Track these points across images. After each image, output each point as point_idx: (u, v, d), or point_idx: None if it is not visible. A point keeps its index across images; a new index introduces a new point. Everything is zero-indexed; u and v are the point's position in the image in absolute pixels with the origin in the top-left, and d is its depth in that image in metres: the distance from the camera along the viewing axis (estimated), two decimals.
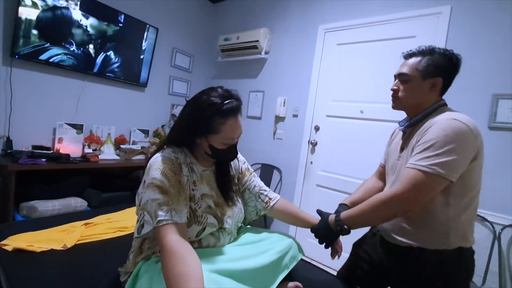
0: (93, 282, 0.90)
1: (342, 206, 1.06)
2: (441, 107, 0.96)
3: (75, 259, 1.03)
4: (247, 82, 3.16)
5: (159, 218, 0.71)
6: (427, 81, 0.93)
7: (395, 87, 0.98)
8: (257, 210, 1.05)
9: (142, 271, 0.79)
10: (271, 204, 1.04)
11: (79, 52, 2.37)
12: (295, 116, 2.72)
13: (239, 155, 1.06)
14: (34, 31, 2.09)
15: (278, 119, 2.85)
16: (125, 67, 2.72)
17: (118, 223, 1.35)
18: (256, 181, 1.07)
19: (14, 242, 1.04)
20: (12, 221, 1.85)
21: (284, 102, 2.78)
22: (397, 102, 0.99)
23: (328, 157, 2.47)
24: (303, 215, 1.06)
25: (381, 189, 1.12)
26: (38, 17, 2.09)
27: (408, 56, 0.97)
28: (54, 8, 2.16)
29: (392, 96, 1.00)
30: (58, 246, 1.07)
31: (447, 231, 0.87)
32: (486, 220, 1.71)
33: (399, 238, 0.93)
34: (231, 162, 1.01)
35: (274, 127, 2.89)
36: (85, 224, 1.28)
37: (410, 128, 0.98)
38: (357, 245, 1.17)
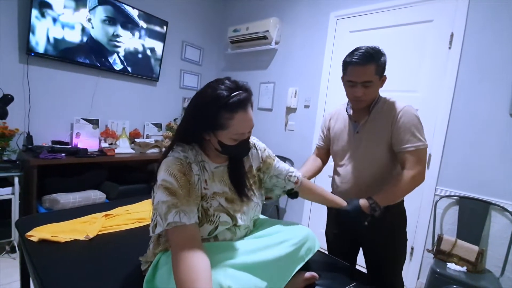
0: (116, 270, 0.93)
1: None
2: (380, 95, 1.14)
3: (98, 249, 1.07)
4: (257, 73, 3.14)
5: (168, 221, 0.71)
6: (381, 80, 1.08)
7: (360, 94, 1.06)
8: (285, 189, 1.06)
9: (161, 262, 0.81)
10: (299, 185, 1.05)
11: (93, 48, 2.40)
12: (306, 107, 2.69)
13: (258, 143, 1.03)
14: (48, 29, 2.14)
15: (290, 110, 2.83)
16: (137, 62, 2.74)
17: (137, 214, 1.38)
18: (281, 166, 1.04)
19: (39, 233, 1.09)
20: (35, 213, 1.94)
21: (296, 93, 2.75)
22: (362, 104, 1.10)
23: None
24: (330, 195, 1.10)
25: (322, 165, 1.35)
26: (51, 16, 2.13)
27: (363, 62, 1.02)
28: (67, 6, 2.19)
29: (356, 100, 1.09)
30: (81, 237, 1.11)
31: None
32: (506, 210, 1.66)
33: None
34: (249, 153, 0.97)
35: (286, 119, 2.87)
36: (106, 215, 1.33)
37: (366, 116, 1.13)
38: (327, 233, 1.35)
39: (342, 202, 1.07)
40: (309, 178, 1.25)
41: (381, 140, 1.10)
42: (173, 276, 0.66)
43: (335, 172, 1.28)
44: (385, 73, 1.08)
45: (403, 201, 1.19)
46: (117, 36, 2.54)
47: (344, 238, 1.26)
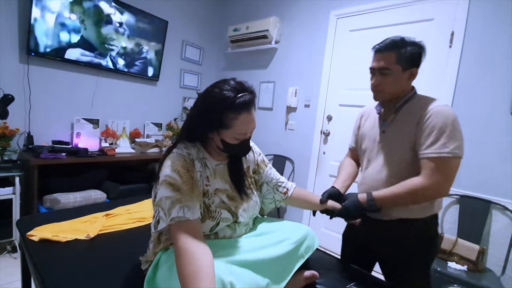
0: (116, 269, 0.93)
1: (334, 188, 1.13)
2: (416, 93, 1.05)
3: (98, 248, 1.07)
4: (257, 73, 3.14)
5: (172, 216, 0.72)
6: (406, 72, 0.99)
7: (376, 83, 1.01)
8: (276, 201, 1.06)
9: (162, 260, 0.81)
10: (289, 194, 1.05)
11: (93, 48, 2.41)
12: (307, 106, 2.69)
13: (255, 147, 1.05)
14: (48, 29, 2.14)
15: (290, 109, 2.83)
16: (137, 61, 2.74)
17: (137, 214, 1.39)
18: (272, 173, 1.06)
19: (40, 232, 1.09)
20: (36, 212, 1.95)
21: (296, 92, 2.74)
22: (380, 95, 1.04)
23: (341, 147, 2.43)
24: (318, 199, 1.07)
25: (357, 168, 1.25)
26: (51, 16, 2.13)
27: (383, 49, 0.98)
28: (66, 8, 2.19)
29: (374, 90, 1.04)
30: (82, 236, 1.11)
31: (432, 201, 1.01)
32: (507, 209, 1.66)
33: (390, 213, 1.02)
34: (247, 155, 1.00)
35: (286, 118, 2.87)
36: (106, 215, 1.33)
37: (392, 115, 1.04)
38: (345, 234, 1.26)
39: (334, 204, 1.04)
40: (349, 185, 1.18)
41: (404, 141, 0.98)
42: (176, 269, 0.66)
43: (360, 173, 1.21)
44: (415, 67, 1.00)
45: (436, 215, 1.04)
46: (117, 36, 2.54)
47: (360, 245, 1.18)
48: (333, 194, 1.09)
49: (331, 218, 1.08)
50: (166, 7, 2.96)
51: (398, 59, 0.96)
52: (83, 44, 2.35)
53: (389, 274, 1.09)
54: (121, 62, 2.63)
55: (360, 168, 1.22)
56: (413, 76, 1.01)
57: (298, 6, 2.75)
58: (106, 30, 2.46)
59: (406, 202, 0.98)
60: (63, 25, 2.20)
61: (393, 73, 0.98)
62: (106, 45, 2.49)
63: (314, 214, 1.11)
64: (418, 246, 1.02)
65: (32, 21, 2.05)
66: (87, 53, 2.38)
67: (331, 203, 1.05)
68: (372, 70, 1.03)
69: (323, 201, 1.04)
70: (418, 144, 0.94)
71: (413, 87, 1.05)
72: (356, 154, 1.26)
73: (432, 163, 0.90)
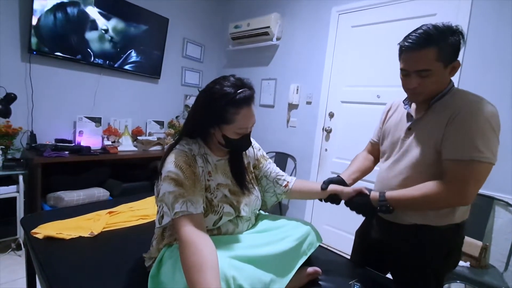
0: (120, 267, 0.94)
1: (338, 177, 1.06)
2: (453, 87, 0.91)
3: (102, 245, 1.08)
4: (259, 70, 3.13)
5: (175, 210, 0.73)
6: (448, 67, 0.85)
7: (415, 85, 0.86)
8: (277, 194, 1.06)
9: (165, 257, 0.82)
10: (290, 186, 1.05)
11: (95, 46, 2.41)
12: (308, 103, 2.68)
13: (254, 142, 1.06)
14: (49, 28, 2.14)
15: (292, 106, 2.82)
16: (138, 59, 2.74)
17: (140, 211, 1.39)
18: (272, 168, 1.07)
19: (45, 230, 1.10)
20: (40, 210, 1.96)
21: (297, 89, 2.74)
22: (420, 97, 0.89)
23: (343, 144, 2.43)
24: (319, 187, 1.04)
25: (373, 164, 1.17)
26: (52, 14, 2.13)
27: (417, 46, 0.82)
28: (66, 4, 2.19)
29: (412, 93, 0.90)
30: (85, 233, 1.12)
31: (454, 208, 0.90)
32: (510, 205, 1.65)
33: (403, 217, 0.95)
34: (246, 150, 1.01)
35: (288, 115, 2.86)
36: (109, 212, 1.33)
37: (423, 111, 0.93)
38: (359, 232, 1.20)
39: (337, 188, 0.99)
40: (357, 179, 1.10)
41: (430, 142, 0.87)
42: (181, 262, 0.67)
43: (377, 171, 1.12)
44: (456, 60, 0.84)
45: (458, 225, 0.91)
46: (117, 34, 2.54)
47: (373, 246, 1.10)
48: (335, 181, 1.02)
49: (337, 203, 0.99)
50: (167, 4, 2.94)
51: (439, 55, 0.80)
52: (88, 42, 2.35)
53: (399, 281, 1.01)
54: (122, 60, 2.63)
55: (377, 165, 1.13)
56: (455, 69, 0.86)
57: (300, 2, 2.73)
58: (112, 27, 2.45)
59: (421, 207, 0.89)
60: (65, 23, 2.20)
61: (435, 73, 0.82)
62: (112, 42, 2.49)
63: (321, 200, 1.04)
64: (433, 257, 0.92)
65: (33, 19, 2.05)
66: (90, 51, 2.38)
67: (333, 187, 1.00)
68: (406, 72, 0.87)
69: (323, 187, 0.99)
70: (445, 145, 0.82)
71: (450, 81, 0.90)
72: (376, 149, 1.15)
73: (456, 167, 0.79)
